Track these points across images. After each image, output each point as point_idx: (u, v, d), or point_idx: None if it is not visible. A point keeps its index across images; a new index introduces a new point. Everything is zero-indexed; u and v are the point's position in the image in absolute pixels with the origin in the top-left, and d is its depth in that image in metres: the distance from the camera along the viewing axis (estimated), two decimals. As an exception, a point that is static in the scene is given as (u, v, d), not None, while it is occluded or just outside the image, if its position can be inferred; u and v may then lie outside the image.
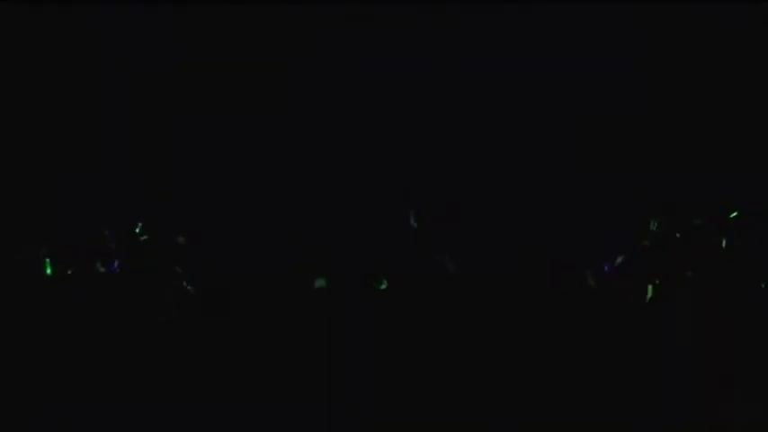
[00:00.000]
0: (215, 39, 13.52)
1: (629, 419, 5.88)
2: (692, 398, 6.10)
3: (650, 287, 9.32)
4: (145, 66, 13.48)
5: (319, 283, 8.64)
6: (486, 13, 13.13)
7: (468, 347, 7.26)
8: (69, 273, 9.68)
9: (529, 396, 6.26)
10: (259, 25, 13.56)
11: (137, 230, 11.51)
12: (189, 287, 9.33)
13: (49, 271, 9.37)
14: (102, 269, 9.59)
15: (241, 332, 7.69)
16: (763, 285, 8.17)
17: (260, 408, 6.17)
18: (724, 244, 10.05)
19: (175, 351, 7.19)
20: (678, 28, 13.06)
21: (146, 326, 7.76)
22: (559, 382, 6.46)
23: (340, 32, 13.63)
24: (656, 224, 10.38)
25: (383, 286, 8.62)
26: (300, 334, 7.60)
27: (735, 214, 10.88)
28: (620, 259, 9.21)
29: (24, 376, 6.56)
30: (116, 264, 9.64)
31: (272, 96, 13.83)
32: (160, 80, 13.61)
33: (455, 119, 13.93)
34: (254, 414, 6.10)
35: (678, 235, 11.03)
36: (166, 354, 7.12)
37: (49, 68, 13.23)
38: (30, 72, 13.14)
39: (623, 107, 13.44)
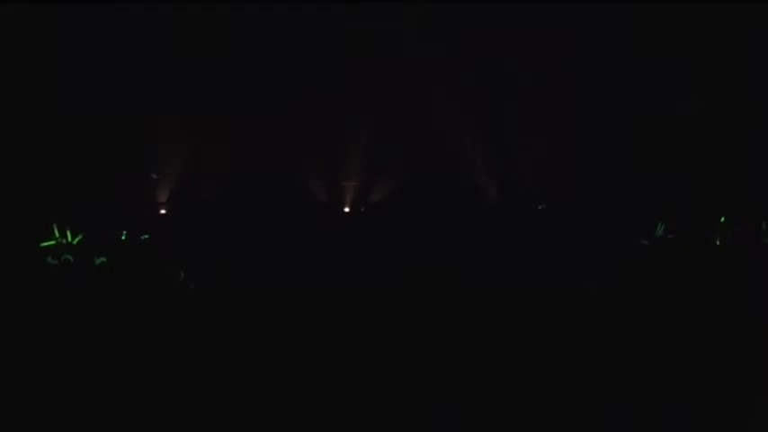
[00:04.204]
0: (215, 39, 13.52)
1: (630, 420, 5.88)
2: (692, 398, 6.11)
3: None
4: (145, 66, 13.48)
5: None
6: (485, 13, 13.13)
7: (468, 347, 7.26)
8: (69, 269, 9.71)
9: (529, 396, 6.27)
10: (259, 25, 13.56)
11: (122, 237, 11.60)
12: (190, 287, 9.34)
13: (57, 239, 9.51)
14: (100, 261, 9.62)
15: (241, 332, 7.69)
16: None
17: (260, 408, 6.17)
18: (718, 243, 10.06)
19: (176, 351, 7.18)
20: (676, 28, 13.06)
21: (146, 326, 7.76)
22: (560, 382, 6.46)
23: (340, 32, 13.64)
24: (662, 227, 10.38)
25: None
26: (301, 333, 7.60)
27: (723, 219, 10.89)
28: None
29: (23, 375, 6.57)
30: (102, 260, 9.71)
31: (271, 96, 13.83)
32: (161, 80, 13.62)
33: (455, 119, 13.93)
34: (255, 414, 6.10)
35: (671, 236, 11.04)
36: (167, 354, 7.11)
37: (49, 68, 13.24)
38: (30, 72, 13.14)
39: (624, 107, 13.45)
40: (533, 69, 13.59)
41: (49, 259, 10.51)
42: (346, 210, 14.03)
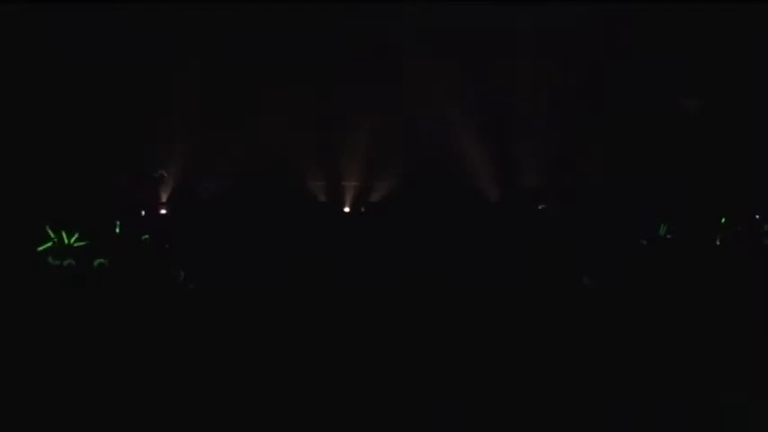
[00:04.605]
0: (215, 39, 13.52)
1: (630, 420, 5.88)
2: (692, 398, 6.11)
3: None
4: (145, 65, 13.48)
5: None
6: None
7: (468, 346, 7.25)
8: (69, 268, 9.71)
9: (529, 396, 6.27)
10: (259, 25, 13.55)
11: (117, 230, 11.59)
12: (190, 286, 9.34)
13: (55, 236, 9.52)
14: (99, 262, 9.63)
15: (241, 332, 7.68)
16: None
17: (260, 407, 6.18)
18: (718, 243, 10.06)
19: (176, 351, 7.18)
20: (676, 28, 13.05)
21: (146, 326, 7.75)
22: (560, 382, 6.46)
23: (340, 32, 13.63)
24: (665, 228, 10.38)
25: None
26: (301, 333, 7.60)
27: (723, 220, 10.89)
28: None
29: (21, 375, 6.57)
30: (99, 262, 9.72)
31: (271, 96, 13.82)
32: (161, 80, 13.62)
33: (455, 119, 13.92)
34: (255, 413, 6.10)
35: (669, 236, 11.04)
36: (167, 353, 7.11)
37: (49, 68, 13.23)
38: (30, 72, 13.14)
39: (624, 107, 13.44)
40: (533, 69, 13.58)
41: (50, 259, 10.51)
42: (346, 210, 14.03)
